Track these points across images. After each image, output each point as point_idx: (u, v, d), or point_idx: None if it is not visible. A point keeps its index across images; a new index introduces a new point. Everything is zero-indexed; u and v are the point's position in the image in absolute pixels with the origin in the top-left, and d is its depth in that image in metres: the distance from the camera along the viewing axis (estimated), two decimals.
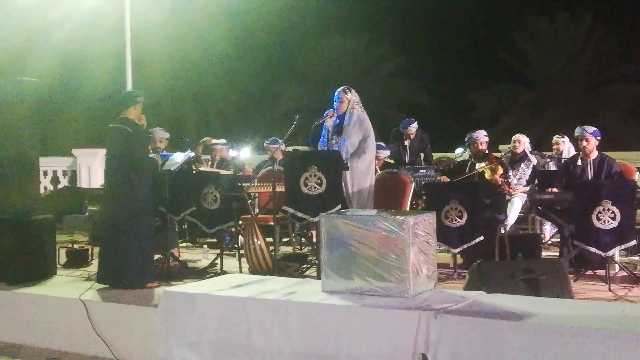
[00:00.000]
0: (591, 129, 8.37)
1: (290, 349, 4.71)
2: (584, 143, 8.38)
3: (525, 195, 9.01)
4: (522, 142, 9.96)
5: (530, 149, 10.24)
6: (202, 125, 32.42)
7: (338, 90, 8.11)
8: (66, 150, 16.72)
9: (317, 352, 4.63)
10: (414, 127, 11.90)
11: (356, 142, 7.90)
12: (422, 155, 12.31)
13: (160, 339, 5.18)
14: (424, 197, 9.12)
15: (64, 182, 15.94)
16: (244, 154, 13.48)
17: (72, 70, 25.50)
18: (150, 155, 8.17)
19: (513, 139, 10.04)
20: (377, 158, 10.21)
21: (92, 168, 15.59)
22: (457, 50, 33.55)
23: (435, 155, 13.02)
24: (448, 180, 9.02)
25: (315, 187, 7.40)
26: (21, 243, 7.87)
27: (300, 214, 7.59)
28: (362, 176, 7.84)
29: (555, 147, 10.99)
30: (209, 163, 11.35)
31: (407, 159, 11.87)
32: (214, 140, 11.73)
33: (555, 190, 8.26)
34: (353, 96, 8.03)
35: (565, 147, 10.84)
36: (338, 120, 8.06)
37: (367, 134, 7.96)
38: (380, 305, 4.58)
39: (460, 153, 11.84)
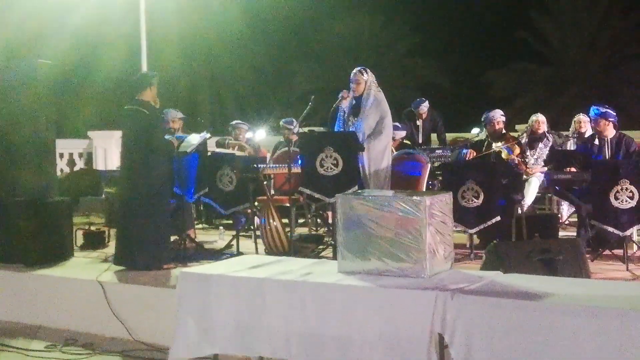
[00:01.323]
0: (601, 109, 8.28)
1: (306, 330, 4.71)
2: (593, 124, 8.37)
3: (543, 175, 8.97)
4: (542, 121, 9.87)
5: (547, 129, 10.17)
6: (216, 107, 32.45)
7: (354, 71, 8.03)
8: (82, 132, 16.78)
9: (333, 333, 4.62)
10: (425, 107, 11.85)
11: (373, 124, 7.84)
12: (435, 135, 12.28)
13: (176, 319, 5.18)
14: (440, 178, 9.10)
15: (80, 165, 16.02)
16: (259, 135, 13.48)
17: (87, 52, 25.56)
18: (166, 137, 8.18)
19: (533, 118, 9.94)
20: (393, 139, 10.18)
21: (108, 150, 15.65)
22: (473, 29, 33.39)
23: (451, 136, 12.97)
24: (475, 154, 8.98)
25: (331, 168, 7.39)
26: (38, 225, 7.91)
27: (316, 195, 7.60)
28: (379, 157, 7.79)
29: (578, 125, 10.84)
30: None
31: (420, 139, 11.83)
32: (237, 121, 11.77)
33: (573, 169, 8.21)
34: (369, 77, 7.96)
35: (588, 126, 10.73)
36: (355, 102, 8.01)
37: (383, 114, 7.89)
38: (396, 285, 4.56)
39: (476, 133, 11.78)
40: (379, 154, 7.79)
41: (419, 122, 11.92)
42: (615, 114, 8.30)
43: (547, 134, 9.86)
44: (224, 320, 4.99)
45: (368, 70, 8.01)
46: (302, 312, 4.74)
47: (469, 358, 4.15)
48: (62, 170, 15.17)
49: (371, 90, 7.91)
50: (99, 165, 15.52)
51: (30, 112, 8.18)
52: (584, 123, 10.79)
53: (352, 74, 8.01)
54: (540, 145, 9.53)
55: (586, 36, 30.92)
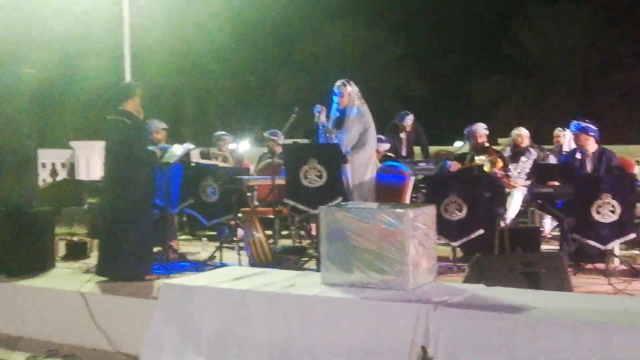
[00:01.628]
0: (581, 124, 8.33)
1: (289, 342, 4.71)
2: (575, 139, 8.42)
3: (526, 188, 9.00)
4: (525, 135, 9.94)
5: (529, 142, 10.24)
6: (200, 118, 32.41)
7: (337, 83, 8.05)
8: (64, 142, 16.71)
9: (316, 345, 4.63)
10: (410, 120, 11.92)
11: (356, 136, 7.87)
12: (418, 147, 12.34)
13: (158, 331, 5.17)
14: (424, 191, 9.12)
15: (62, 175, 15.92)
16: (243, 147, 13.47)
17: (70, 62, 25.45)
18: (149, 147, 8.15)
19: (515, 132, 10.01)
20: (376, 151, 10.20)
21: (90, 160, 15.57)
22: (456, 40, 33.55)
23: (434, 149, 13.01)
24: (459, 166, 9.01)
25: (315, 180, 7.39)
26: (20, 235, 7.85)
27: (300, 206, 7.60)
28: (362, 169, 7.81)
29: (556, 140, 11.02)
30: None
31: (404, 152, 11.87)
32: (220, 132, 11.80)
33: (555, 183, 8.25)
34: (353, 89, 7.98)
35: (566, 140, 10.84)
36: (338, 114, 8.03)
37: (367, 126, 7.92)
38: (379, 298, 4.58)
39: (459, 146, 11.84)
40: (362, 166, 7.81)
41: (403, 135, 11.97)
42: (596, 128, 8.35)
43: (530, 148, 9.92)
44: (207, 331, 4.98)
45: (352, 83, 8.03)
46: (285, 324, 4.75)
47: None
48: (44, 180, 15.07)
49: (354, 102, 7.94)
50: (82, 175, 15.44)
51: (12, 122, 8.12)
52: (562, 137, 10.95)
53: (335, 87, 8.03)
54: (523, 158, 9.58)
55: (568, 48, 31.14)
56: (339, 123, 7.98)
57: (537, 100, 31.06)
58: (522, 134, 9.92)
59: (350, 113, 7.90)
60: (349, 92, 7.94)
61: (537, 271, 5.92)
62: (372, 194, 7.90)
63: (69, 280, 7.51)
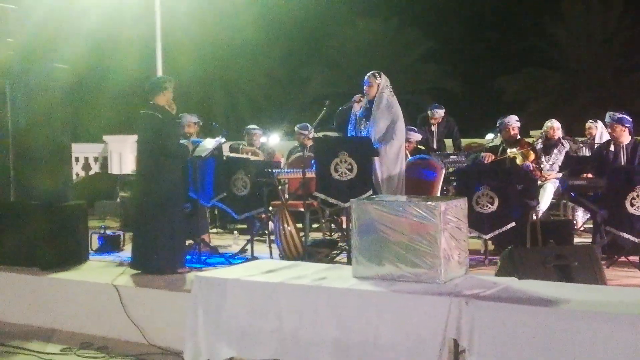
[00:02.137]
0: (617, 115, 8.26)
1: (320, 335, 4.72)
2: (609, 130, 8.34)
3: (558, 181, 8.94)
4: (557, 127, 9.87)
5: (562, 135, 10.16)
6: (230, 111, 32.50)
7: (368, 74, 8.05)
8: (97, 136, 16.84)
9: (346, 338, 4.63)
10: (440, 112, 11.90)
11: (383, 127, 7.81)
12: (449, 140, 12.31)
13: (191, 323, 5.20)
14: (454, 184, 9.09)
15: (95, 169, 16.07)
16: (273, 140, 13.47)
17: (102, 56, 25.60)
18: (181, 141, 8.20)
19: (547, 124, 9.94)
20: (408, 141, 10.17)
21: (122, 154, 15.70)
22: (486, 34, 33.31)
23: (465, 141, 12.95)
24: (493, 157, 8.98)
25: (345, 173, 7.39)
26: (54, 228, 7.94)
27: (330, 200, 7.60)
28: (392, 162, 7.76)
29: (588, 132, 10.93)
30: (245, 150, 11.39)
31: (435, 145, 11.84)
32: (251, 126, 11.85)
33: (589, 175, 8.18)
34: (383, 80, 7.95)
35: (598, 132, 10.76)
36: (368, 105, 8.02)
37: (395, 118, 7.85)
38: (411, 290, 4.57)
39: (491, 139, 11.78)
40: (392, 159, 7.77)
41: (434, 128, 11.95)
42: (631, 120, 8.28)
43: (562, 140, 9.85)
44: (239, 323, 5.00)
45: (382, 74, 8.00)
46: (316, 317, 4.75)
47: None
48: (77, 174, 15.23)
49: (384, 94, 7.90)
50: (114, 169, 15.58)
51: (46, 116, 8.23)
52: (594, 129, 10.86)
53: (365, 77, 8.02)
54: (555, 151, 9.52)
55: (599, 42, 30.82)
56: (368, 114, 7.96)
57: (568, 95, 30.76)
58: (554, 126, 9.85)
59: (378, 104, 7.88)
60: (379, 83, 7.91)
61: (569, 264, 5.87)
62: (402, 187, 7.86)
63: (102, 273, 7.58)
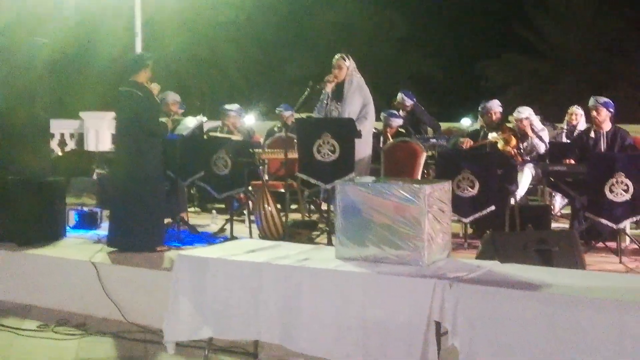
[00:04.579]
0: (602, 99, 8.31)
1: (303, 315, 4.70)
2: (594, 113, 8.34)
3: (534, 165, 8.96)
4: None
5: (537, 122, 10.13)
6: (207, 90, 32.32)
7: (336, 57, 8.16)
8: (75, 113, 16.69)
9: (330, 319, 4.62)
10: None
11: (357, 109, 7.91)
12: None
13: (172, 302, 5.16)
14: (434, 167, 9.10)
15: (71, 145, 15.92)
16: (249, 120, 13.43)
17: (83, 32, 25.32)
18: (161, 119, 8.13)
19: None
20: (390, 126, 10.20)
21: (99, 131, 15.59)
22: (466, 19, 33.32)
23: (444, 125, 12.92)
24: (471, 143, 8.99)
25: (328, 154, 7.37)
26: (33, 205, 7.88)
27: (313, 181, 7.60)
28: (362, 143, 7.79)
29: (573, 117, 10.92)
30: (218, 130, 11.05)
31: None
32: (227, 106, 11.27)
33: (571, 161, 8.22)
34: (351, 63, 8.07)
35: (581, 119, 10.80)
36: (336, 87, 8.06)
37: (366, 101, 7.99)
38: (395, 272, 4.55)
39: (469, 124, 11.78)
40: (363, 140, 7.79)
41: (402, 113, 11.80)
42: (614, 105, 8.32)
43: (542, 125, 9.87)
44: (220, 303, 4.98)
45: (350, 57, 8.13)
46: (299, 297, 4.73)
47: (472, 347, 4.15)
48: (53, 151, 15.08)
49: (353, 76, 8.01)
50: (90, 146, 15.45)
51: (28, 92, 8.15)
52: (577, 115, 10.87)
53: (334, 60, 8.12)
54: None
55: (581, 29, 30.93)
56: (337, 95, 8.02)
57: (548, 82, 30.88)
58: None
59: (349, 86, 7.94)
60: (347, 66, 8.00)
61: (550, 249, 5.91)
62: (368, 169, 7.94)
63: (80, 250, 7.54)
